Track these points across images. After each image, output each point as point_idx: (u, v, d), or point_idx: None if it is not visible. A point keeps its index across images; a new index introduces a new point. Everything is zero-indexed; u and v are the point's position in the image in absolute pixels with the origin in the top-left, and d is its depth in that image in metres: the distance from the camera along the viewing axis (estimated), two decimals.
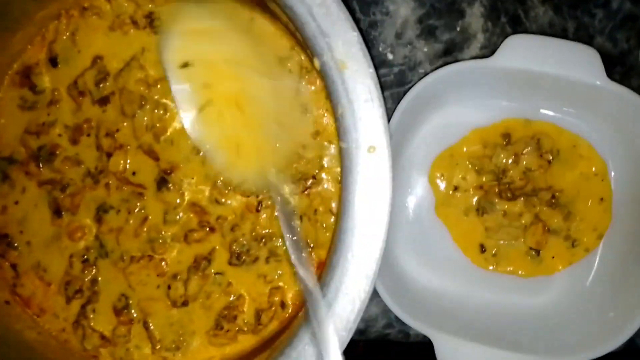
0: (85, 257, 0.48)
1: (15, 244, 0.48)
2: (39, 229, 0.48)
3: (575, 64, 0.47)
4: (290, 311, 0.47)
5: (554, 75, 0.47)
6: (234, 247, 0.47)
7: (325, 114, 0.45)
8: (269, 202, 0.47)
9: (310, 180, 0.46)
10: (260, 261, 0.47)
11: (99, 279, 0.48)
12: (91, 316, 0.48)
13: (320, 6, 0.36)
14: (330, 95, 0.37)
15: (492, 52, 0.53)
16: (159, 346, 0.47)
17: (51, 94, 0.48)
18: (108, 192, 0.47)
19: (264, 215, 0.47)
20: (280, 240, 0.47)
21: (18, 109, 0.48)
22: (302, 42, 0.40)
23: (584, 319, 0.49)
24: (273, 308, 0.46)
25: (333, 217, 0.46)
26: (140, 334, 0.48)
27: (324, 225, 0.46)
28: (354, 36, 0.36)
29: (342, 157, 0.37)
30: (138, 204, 0.47)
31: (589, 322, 0.49)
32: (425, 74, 0.53)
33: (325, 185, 0.46)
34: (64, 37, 0.48)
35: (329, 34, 0.36)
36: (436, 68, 0.53)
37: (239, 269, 0.47)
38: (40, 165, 0.47)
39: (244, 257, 0.47)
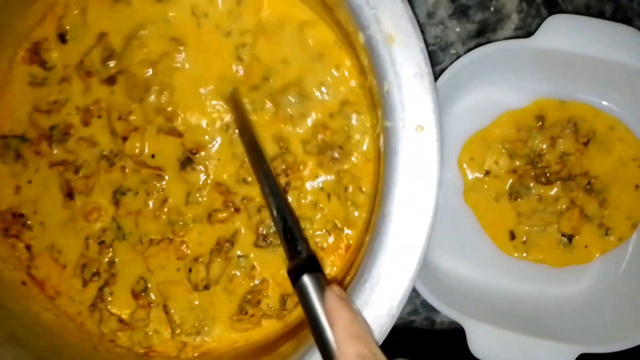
0: (102, 239, 0.46)
1: (31, 224, 0.46)
2: (52, 210, 0.46)
3: (617, 45, 0.45)
4: None
5: (594, 57, 0.45)
6: (261, 229, 0.45)
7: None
8: (298, 184, 0.45)
9: (337, 152, 0.44)
10: None
11: (116, 260, 0.46)
12: (109, 299, 0.46)
13: None
14: (375, 70, 0.35)
15: (527, 34, 0.51)
16: (178, 330, 0.46)
17: (63, 70, 0.46)
18: (124, 175, 0.46)
19: (290, 199, 0.45)
20: (307, 223, 0.45)
21: (28, 85, 0.46)
22: (343, 17, 0.38)
23: (616, 308, 0.48)
24: None
25: (363, 195, 0.45)
26: (159, 317, 0.46)
27: (355, 203, 0.45)
28: (403, 7, 0.34)
29: (387, 136, 0.35)
30: (157, 184, 0.45)
31: (621, 312, 0.48)
32: (457, 55, 0.52)
33: (354, 160, 0.45)
34: (74, 12, 0.46)
35: (376, 5, 0.34)
36: (469, 49, 0.52)
37: (264, 251, 0.46)
38: (53, 145, 0.46)
39: (270, 239, 0.45)
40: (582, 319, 0.49)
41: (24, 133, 0.46)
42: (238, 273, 0.46)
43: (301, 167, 0.45)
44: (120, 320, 0.46)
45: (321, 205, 0.46)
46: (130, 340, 0.46)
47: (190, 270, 0.46)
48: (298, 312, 0.46)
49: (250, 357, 0.44)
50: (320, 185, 0.45)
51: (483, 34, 0.52)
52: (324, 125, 0.45)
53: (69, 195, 0.46)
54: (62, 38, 0.46)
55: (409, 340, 0.53)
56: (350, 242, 0.46)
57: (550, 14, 0.51)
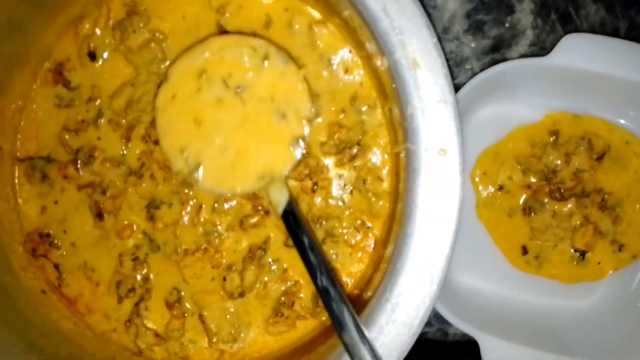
0: (136, 255, 0.47)
1: (58, 244, 0.47)
2: (82, 230, 0.47)
3: (632, 64, 0.46)
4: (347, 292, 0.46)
5: (609, 75, 0.46)
6: None
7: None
8: (325, 183, 0.46)
9: (356, 148, 0.45)
10: None
11: (151, 276, 0.47)
12: (145, 314, 0.47)
13: (394, 2, 0.34)
14: (399, 94, 0.36)
15: (541, 50, 0.52)
16: (215, 339, 0.47)
17: (90, 90, 0.47)
18: (155, 183, 0.46)
19: (319, 199, 0.46)
20: (336, 221, 0.46)
21: (55, 107, 0.47)
22: (364, 41, 0.38)
23: (628, 324, 0.49)
24: None
25: (384, 183, 0.45)
26: (194, 327, 0.47)
27: (376, 194, 0.45)
28: (429, 34, 0.34)
29: (409, 157, 0.36)
30: (190, 193, 0.46)
31: (632, 327, 0.49)
32: (472, 70, 0.52)
33: (372, 153, 0.45)
34: (104, 30, 0.47)
35: (402, 31, 0.34)
36: (483, 64, 0.52)
37: (294, 251, 0.46)
38: (79, 168, 0.46)
39: None
40: (594, 333, 0.49)
41: (49, 154, 0.47)
42: (271, 278, 0.47)
43: (324, 169, 0.46)
44: (157, 335, 0.47)
45: (346, 201, 0.46)
46: (166, 352, 0.47)
47: (224, 279, 0.46)
48: None
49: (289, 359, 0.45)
50: (344, 183, 0.46)
51: (498, 50, 0.53)
52: (338, 124, 0.46)
53: (99, 215, 0.47)
54: (92, 56, 0.47)
55: (421, 351, 0.53)
56: (377, 233, 0.46)
57: (565, 30, 0.52)
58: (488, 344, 0.46)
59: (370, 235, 0.46)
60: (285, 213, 0.42)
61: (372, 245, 0.46)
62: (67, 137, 0.47)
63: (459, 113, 0.35)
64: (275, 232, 0.47)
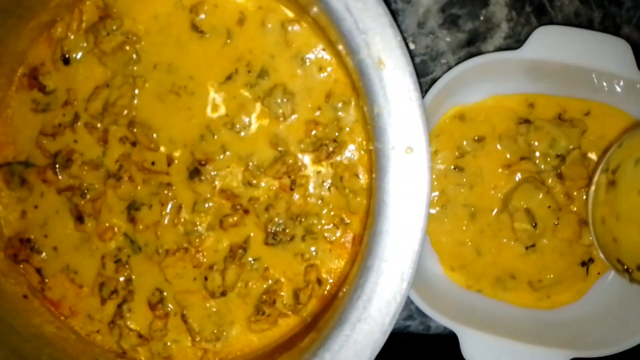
0: (118, 257, 0.47)
1: (40, 248, 0.47)
2: (63, 234, 0.47)
3: (605, 56, 0.46)
4: (327, 287, 0.47)
5: (583, 67, 0.46)
6: (270, 227, 0.46)
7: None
8: (303, 181, 0.46)
9: (332, 145, 0.45)
10: (297, 240, 0.47)
11: (133, 277, 0.47)
12: (127, 315, 0.47)
13: (357, 1, 0.34)
14: (366, 93, 0.36)
15: (517, 42, 0.52)
16: (198, 338, 0.47)
17: (66, 94, 0.47)
18: (134, 185, 0.47)
19: (297, 196, 0.46)
20: (315, 218, 0.47)
21: (31, 112, 0.47)
22: (335, 40, 0.38)
23: (608, 314, 0.49)
24: (310, 286, 0.46)
25: (361, 180, 0.46)
26: (177, 327, 0.48)
27: (353, 190, 0.46)
28: (393, 32, 0.34)
29: (377, 156, 0.36)
30: (169, 194, 0.46)
31: (612, 317, 0.49)
32: (448, 65, 0.52)
33: (349, 150, 0.46)
34: (77, 33, 0.47)
35: (366, 31, 0.35)
36: (459, 58, 0.52)
37: (275, 249, 0.47)
38: (58, 172, 0.46)
39: (280, 237, 0.46)
40: (574, 325, 0.50)
41: (27, 159, 0.47)
42: (252, 277, 0.47)
43: (302, 167, 0.46)
44: (140, 336, 0.47)
45: (325, 198, 0.47)
46: (149, 352, 0.48)
47: (206, 279, 0.47)
48: (312, 306, 0.47)
49: (271, 357, 0.45)
50: (322, 180, 0.46)
51: (473, 43, 0.53)
52: (314, 122, 0.46)
53: (79, 218, 0.47)
54: (66, 60, 0.47)
55: (405, 345, 0.54)
56: (355, 229, 0.46)
57: (539, 22, 0.52)
58: (467, 337, 0.47)
59: (348, 231, 0.47)
60: None
61: (351, 242, 0.46)
62: (44, 141, 0.47)
63: (425, 105, 0.35)
64: (256, 230, 0.47)
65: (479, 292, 0.51)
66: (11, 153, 0.47)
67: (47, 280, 0.47)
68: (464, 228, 0.51)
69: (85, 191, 0.47)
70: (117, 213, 0.47)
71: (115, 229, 0.47)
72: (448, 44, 0.53)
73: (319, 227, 0.47)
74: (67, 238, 0.47)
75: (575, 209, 0.50)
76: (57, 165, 0.47)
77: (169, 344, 0.48)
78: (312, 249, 0.47)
